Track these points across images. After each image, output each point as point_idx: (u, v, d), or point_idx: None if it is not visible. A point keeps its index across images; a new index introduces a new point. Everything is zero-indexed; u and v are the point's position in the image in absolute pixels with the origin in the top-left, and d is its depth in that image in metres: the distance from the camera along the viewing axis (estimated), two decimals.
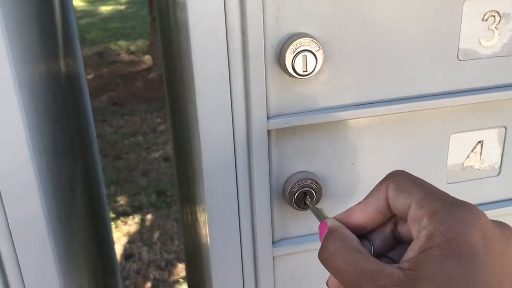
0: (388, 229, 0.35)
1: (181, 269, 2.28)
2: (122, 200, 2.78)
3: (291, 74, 0.45)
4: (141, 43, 5.96)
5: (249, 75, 0.44)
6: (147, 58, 5.30)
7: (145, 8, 6.86)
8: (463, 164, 0.57)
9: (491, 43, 0.51)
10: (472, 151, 0.56)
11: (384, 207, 0.33)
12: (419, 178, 0.33)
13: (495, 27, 0.50)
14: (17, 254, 0.44)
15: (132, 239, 2.49)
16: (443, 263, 0.27)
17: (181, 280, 2.21)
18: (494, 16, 0.50)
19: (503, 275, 0.27)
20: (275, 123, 0.47)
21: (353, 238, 0.33)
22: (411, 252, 0.29)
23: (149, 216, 2.65)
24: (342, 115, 0.48)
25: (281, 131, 0.48)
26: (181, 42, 0.51)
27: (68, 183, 0.61)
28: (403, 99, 0.50)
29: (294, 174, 0.50)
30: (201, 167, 0.47)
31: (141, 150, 3.39)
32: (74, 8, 0.94)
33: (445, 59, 0.50)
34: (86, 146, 0.88)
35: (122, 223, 2.56)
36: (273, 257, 0.51)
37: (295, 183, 0.49)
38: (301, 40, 0.44)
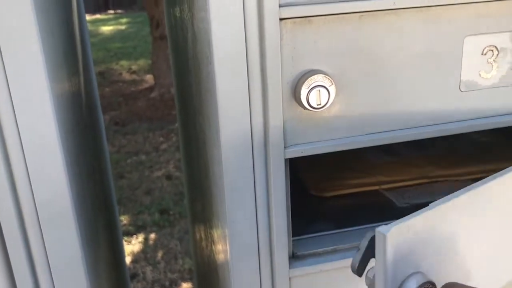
0: None
1: None
2: (125, 220, 2.80)
3: (306, 107, 0.48)
4: (142, 62, 6.04)
5: (268, 109, 0.48)
6: (149, 77, 5.36)
7: (146, 27, 6.95)
8: None
9: (490, 75, 0.55)
10: None
11: None
12: None
13: (494, 61, 0.54)
14: (53, 279, 0.47)
15: (136, 259, 2.49)
16: None
17: None
18: (492, 50, 0.54)
19: None
20: (291, 152, 0.50)
21: None
22: None
23: (152, 235, 2.66)
24: (353, 144, 0.52)
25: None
26: (201, 74, 0.55)
27: (92, 208, 0.64)
28: (409, 128, 0.54)
29: None
30: (224, 195, 0.50)
31: (144, 169, 3.41)
32: (89, 39, 0.98)
33: (448, 90, 0.54)
34: (101, 168, 0.91)
35: (126, 243, 2.57)
36: (290, 278, 0.54)
37: None
38: (315, 76, 0.48)
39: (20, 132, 0.44)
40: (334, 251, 0.56)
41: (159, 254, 2.50)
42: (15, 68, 0.42)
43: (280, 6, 0.45)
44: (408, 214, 0.61)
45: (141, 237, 2.63)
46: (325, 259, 0.55)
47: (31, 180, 0.45)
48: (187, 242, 2.56)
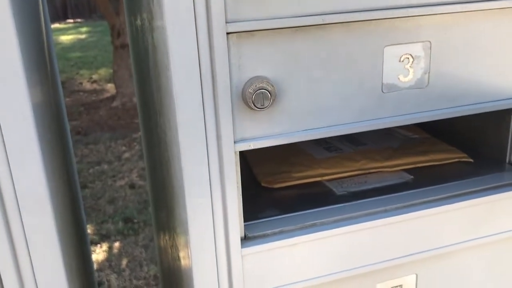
0: None
1: None
2: (89, 229, 2.80)
3: (252, 108, 0.57)
4: (103, 71, 6.00)
5: (219, 110, 0.56)
6: (110, 86, 5.34)
7: (106, 36, 6.91)
8: None
9: (407, 79, 0.65)
10: None
11: None
12: None
13: (410, 66, 0.65)
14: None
15: (101, 267, 2.50)
16: None
17: None
18: (408, 58, 0.64)
19: None
20: (241, 146, 0.59)
21: None
22: None
23: (117, 244, 2.68)
24: (292, 138, 0.61)
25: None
26: (161, 79, 0.63)
27: (64, 214, 0.70)
28: (339, 125, 0.63)
29: None
30: (183, 185, 0.58)
31: (107, 178, 3.41)
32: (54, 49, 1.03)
33: (372, 92, 0.64)
34: (69, 178, 0.96)
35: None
36: (242, 256, 0.63)
37: None
38: (259, 81, 0.56)
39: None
40: (281, 232, 0.65)
41: (124, 262, 2.52)
42: None
43: (226, 22, 0.53)
44: (345, 200, 0.71)
45: (105, 246, 2.64)
46: (272, 239, 0.64)
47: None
48: (152, 250, 2.59)
